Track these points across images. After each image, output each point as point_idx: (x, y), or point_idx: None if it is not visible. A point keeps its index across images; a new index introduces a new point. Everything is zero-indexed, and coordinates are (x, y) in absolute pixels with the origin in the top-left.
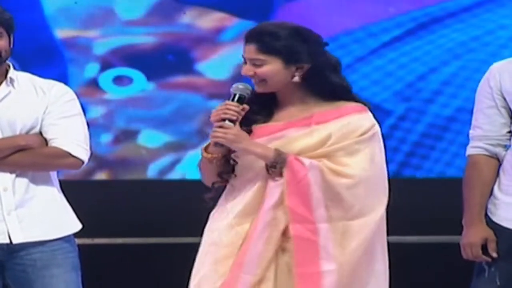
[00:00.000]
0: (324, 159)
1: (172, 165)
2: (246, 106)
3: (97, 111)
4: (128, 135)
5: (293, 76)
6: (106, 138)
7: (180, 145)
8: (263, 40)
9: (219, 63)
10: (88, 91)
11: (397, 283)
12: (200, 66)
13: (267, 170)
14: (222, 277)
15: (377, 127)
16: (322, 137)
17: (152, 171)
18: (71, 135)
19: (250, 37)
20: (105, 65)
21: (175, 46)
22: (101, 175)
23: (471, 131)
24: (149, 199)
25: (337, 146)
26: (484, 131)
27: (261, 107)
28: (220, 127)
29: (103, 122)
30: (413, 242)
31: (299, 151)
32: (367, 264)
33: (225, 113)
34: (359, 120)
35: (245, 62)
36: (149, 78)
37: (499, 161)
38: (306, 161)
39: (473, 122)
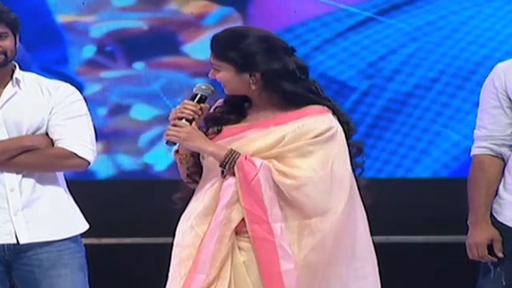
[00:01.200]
0: (275, 160)
1: (160, 136)
2: (205, 106)
3: (93, 88)
4: (121, 109)
5: (249, 83)
6: (101, 111)
7: (168, 118)
8: (217, 47)
9: (202, 45)
10: (86, 70)
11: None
12: (185, 48)
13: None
14: (183, 278)
15: (335, 129)
16: (277, 138)
17: (142, 141)
18: (77, 135)
19: (211, 44)
20: (101, 47)
21: (163, 30)
22: (97, 145)
23: (476, 131)
24: (157, 198)
25: (289, 147)
26: (489, 131)
27: (233, 108)
28: (174, 125)
29: (99, 98)
30: (418, 242)
31: (254, 152)
32: (345, 264)
33: (182, 112)
34: (314, 122)
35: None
36: (140, 58)
37: (504, 161)
38: (258, 161)
39: (478, 122)
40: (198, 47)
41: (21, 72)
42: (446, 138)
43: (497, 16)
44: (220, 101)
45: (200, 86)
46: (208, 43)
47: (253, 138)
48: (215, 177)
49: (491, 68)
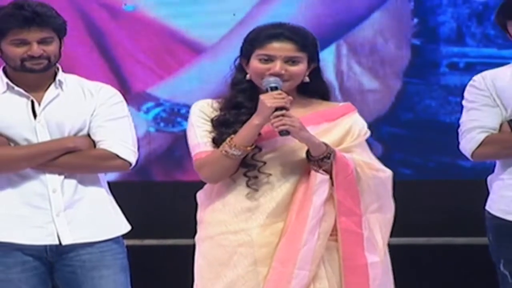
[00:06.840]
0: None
1: None
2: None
3: None
4: None
5: (304, 76)
6: None
7: None
8: (300, 38)
9: None
10: None
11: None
12: None
13: (314, 162)
14: (265, 277)
15: None
16: (342, 133)
17: None
18: (118, 137)
19: (284, 35)
20: None
21: None
22: None
23: (464, 125)
24: None
25: (356, 143)
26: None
27: (254, 109)
28: (283, 115)
29: None
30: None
31: None
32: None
33: (286, 102)
34: (360, 119)
35: (269, 60)
36: None
37: None
38: (346, 155)
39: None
40: None
41: (64, 74)
42: None
43: None
44: (215, 105)
45: (269, 79)
46: None
47: (316, 135)
48: (286, 174)
49: None
